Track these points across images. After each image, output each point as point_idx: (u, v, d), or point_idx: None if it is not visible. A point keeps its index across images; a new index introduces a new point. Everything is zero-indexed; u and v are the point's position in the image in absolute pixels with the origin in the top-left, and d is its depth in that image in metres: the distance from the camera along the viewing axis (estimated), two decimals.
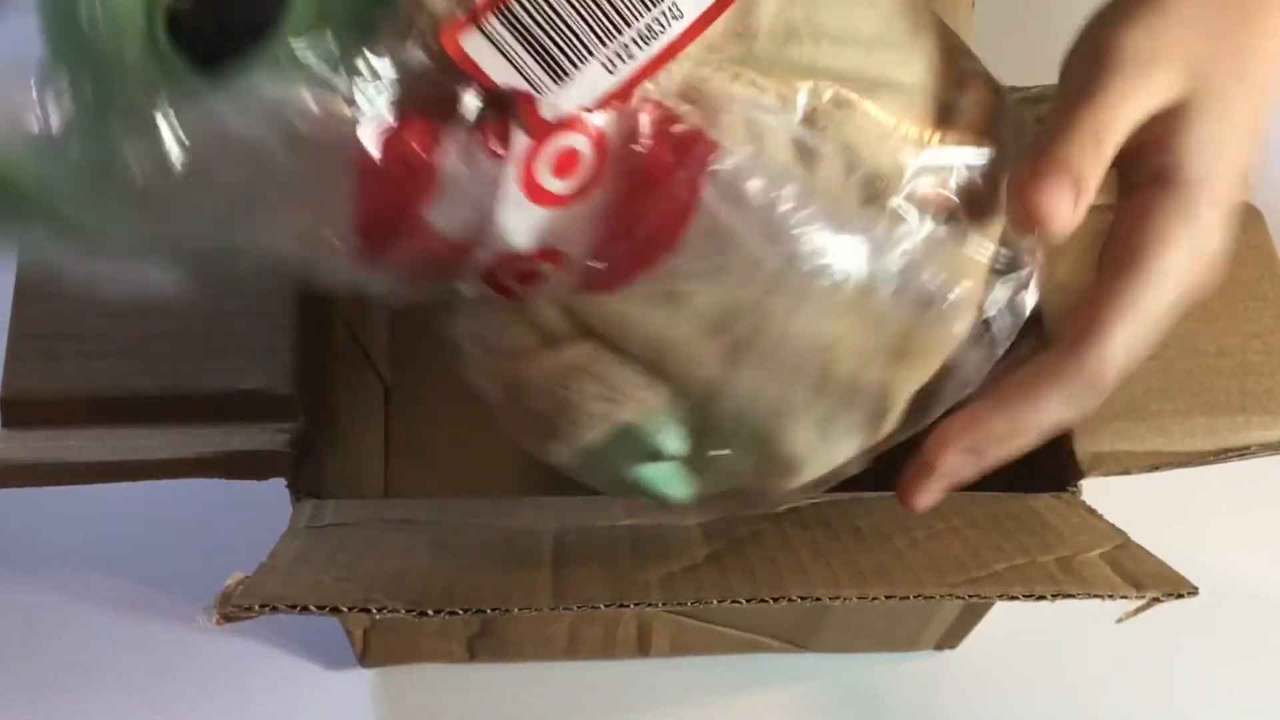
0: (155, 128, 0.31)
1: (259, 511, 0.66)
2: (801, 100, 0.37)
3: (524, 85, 0.33)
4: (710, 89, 0.36)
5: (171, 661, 0.64)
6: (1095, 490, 0.52)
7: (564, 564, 0.44)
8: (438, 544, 0.45)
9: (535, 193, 0.35)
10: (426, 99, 0.32)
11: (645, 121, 0.35)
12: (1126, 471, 0.51)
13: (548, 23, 0.32)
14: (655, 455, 0.42)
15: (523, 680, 0.65)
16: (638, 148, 0.35)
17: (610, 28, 0.33)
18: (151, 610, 0.66)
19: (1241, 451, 0.52)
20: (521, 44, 0.32)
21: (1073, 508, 0.50)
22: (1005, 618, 0.65)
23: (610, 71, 0.34)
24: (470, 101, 0.33)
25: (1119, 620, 0.44)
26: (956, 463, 0.41)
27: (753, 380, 0.39)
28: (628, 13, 0.33)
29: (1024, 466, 0.55)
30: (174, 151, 0.31)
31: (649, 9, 0.33)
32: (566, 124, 0.34)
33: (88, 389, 0.50)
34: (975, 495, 0.50)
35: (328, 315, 0.59)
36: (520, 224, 0.35)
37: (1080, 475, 0.51)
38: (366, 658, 0.63)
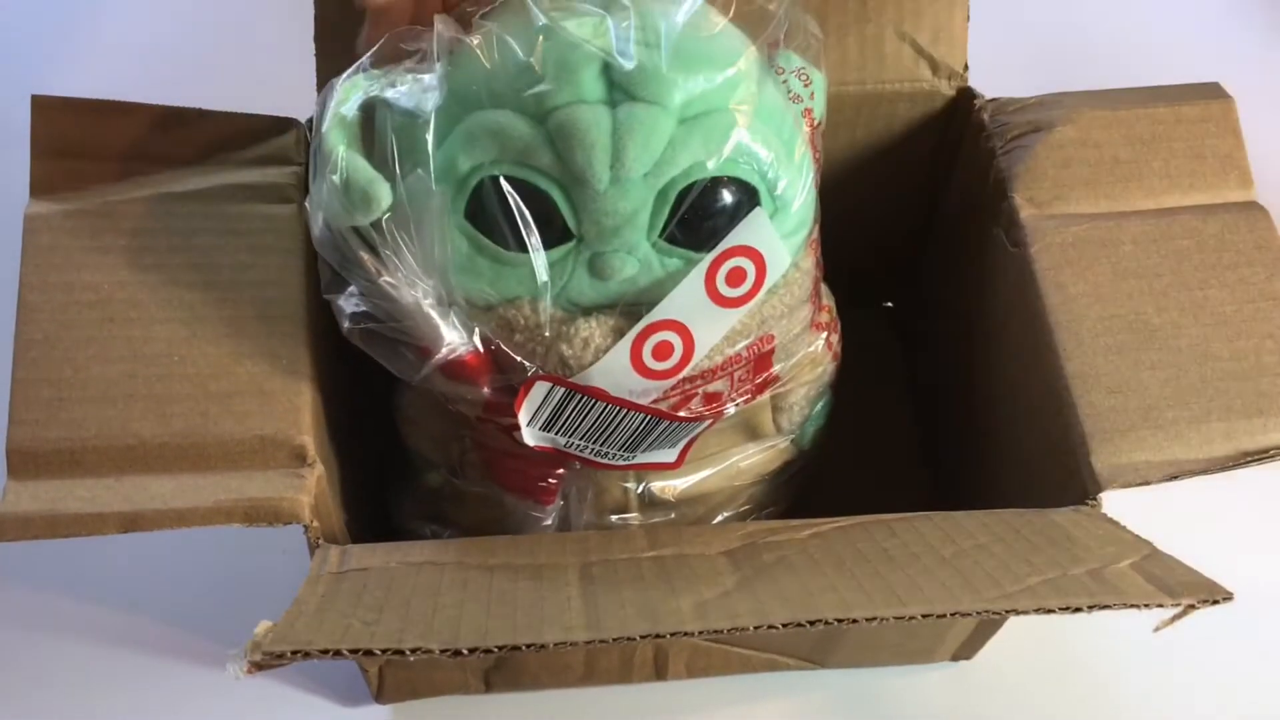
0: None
1: (276, 555, 0.66)
2: None
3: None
4: None
5: (189, 701, 0.64)
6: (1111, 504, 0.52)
7: (594, 596, 0.44)
8: (463, 583, 0.45)
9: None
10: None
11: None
12: (1146, 482, 0.51)
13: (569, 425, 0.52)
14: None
15: (539, 708, 0.64)
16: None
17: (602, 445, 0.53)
18: (169, 650, 0.65)
19: (1261, 455, 0.51)
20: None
21: (1095, 520, 0.49)
22: (1020, 628, 0.65)
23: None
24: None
25: (1156, 629, 0.44)
26: None
27: None
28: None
29: (1042, 483, 0.55)
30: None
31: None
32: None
33: (97, 438, 0.49)
34: (997, 512, 0.50)
35: (340, 356, 0.59)
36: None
37: (1099, 488, 0.51)
38: (382, 694, 0.63)
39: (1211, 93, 0.60)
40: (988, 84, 0.63)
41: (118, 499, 0.47)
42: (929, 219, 0.71)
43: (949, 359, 0.70)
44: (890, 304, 0.81)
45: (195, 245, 0.53)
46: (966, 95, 0.63)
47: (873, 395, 0.64)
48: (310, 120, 0.58)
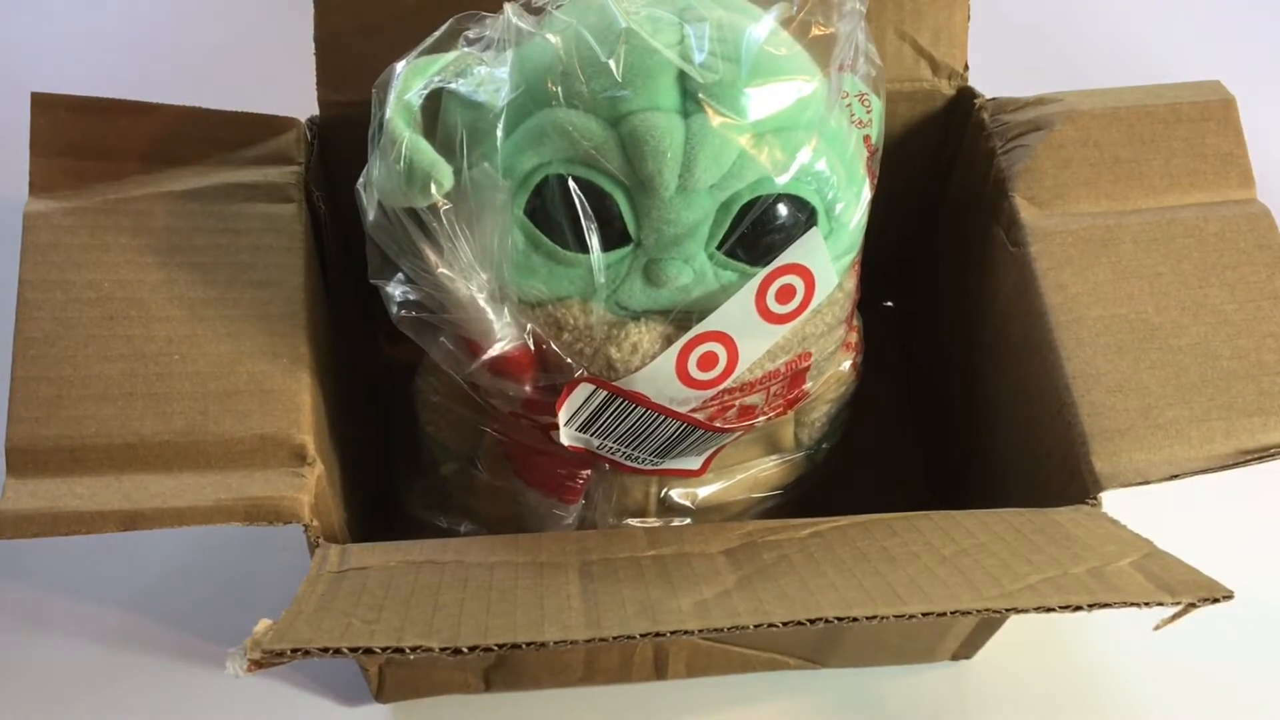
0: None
1: (276, 554, 0.66)
2: None
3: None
4: None
5: (189, 701, 0.64)
6: (1111, 503, 0.52)
7: (593, 595, 0.44)
8: (464, 582, 0.45)
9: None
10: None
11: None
12: (1146, 481, 0.51)
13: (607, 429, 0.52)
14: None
15: (539, 708, 0.64)
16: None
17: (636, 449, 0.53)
18: (169, 650, 0.65)
19: (1261, 454, 0.51)
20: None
21: (1095, 519, 0.49)
22: (1020, 627, 0.65)
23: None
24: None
25: (1156, 628, 0.44)
26: None
27: None
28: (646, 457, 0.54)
29: (1042, 482, 0.55)
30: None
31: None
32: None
33: (97, 436, 0.49)
34: (997, 511, 0.50)
35: (340, 355, 0.59)
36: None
37: (1099, 487, 0.51)
38: (382, 693, 0.63)
39: (1212, 92, 0.60)
40: (988, 84, 0.63)
41: (118, 497, 0.47)
42: (929, 219, 0.71)
43: (949, 359, 0.70)
44: (890, 304, 0.81)
45: (195, 244, 0.53)
46: (966, 95, 0.63)
47: (873, 395, 0.63)
48: (311, 119, 0.58)
